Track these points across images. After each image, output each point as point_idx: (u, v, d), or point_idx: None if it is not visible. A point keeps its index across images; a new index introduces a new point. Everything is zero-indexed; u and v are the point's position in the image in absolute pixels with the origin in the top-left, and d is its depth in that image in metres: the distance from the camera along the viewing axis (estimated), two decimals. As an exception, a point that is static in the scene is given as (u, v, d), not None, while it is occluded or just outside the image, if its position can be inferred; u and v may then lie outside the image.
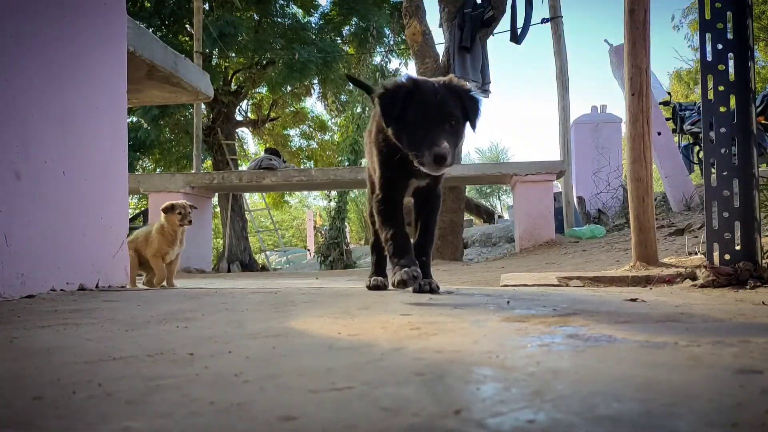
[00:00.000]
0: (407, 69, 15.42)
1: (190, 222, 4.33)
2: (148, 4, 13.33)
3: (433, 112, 1.97)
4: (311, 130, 18.67)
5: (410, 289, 2.22)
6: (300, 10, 15.24)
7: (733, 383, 0.81)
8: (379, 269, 2.75)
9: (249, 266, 12.82)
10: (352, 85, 14.33)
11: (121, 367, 1.00)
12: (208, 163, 15.21)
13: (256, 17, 14.57)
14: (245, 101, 16.73)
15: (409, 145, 1.99)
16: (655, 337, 1.17)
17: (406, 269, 2.02)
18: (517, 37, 9.08)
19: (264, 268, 14.18)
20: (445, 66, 9.26)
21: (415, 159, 1.97)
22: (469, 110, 2.09)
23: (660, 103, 9.89)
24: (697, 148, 10.35)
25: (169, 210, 4.33)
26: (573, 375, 0.88)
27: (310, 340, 1.25)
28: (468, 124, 2.13)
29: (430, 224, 2.46)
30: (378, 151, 2.25)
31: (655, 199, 8.49)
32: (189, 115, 13.88)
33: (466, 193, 11.81)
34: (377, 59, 14.83)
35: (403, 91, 2.03)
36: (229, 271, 11.62)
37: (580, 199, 11.25)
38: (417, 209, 2.46)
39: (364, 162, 14.05)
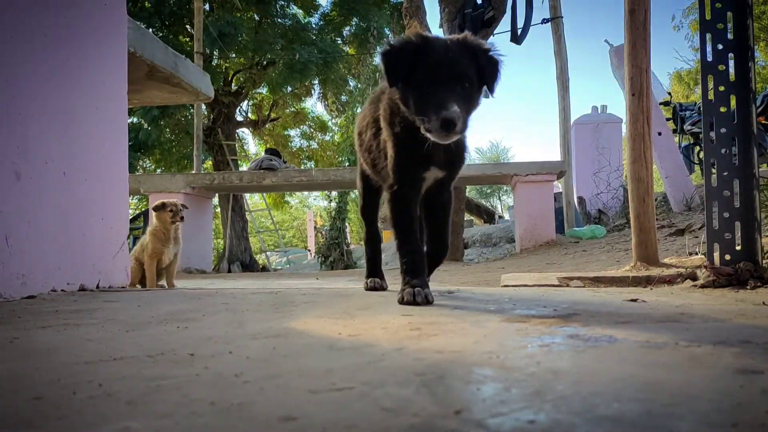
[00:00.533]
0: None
1: (181, 219, 4.39)
2: (148, 5, 13.33)
3: (444, 72, 1.77)
4: (311, 130, 18.68)
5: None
6: (300, 11, 15.25)
7: (734, 383, 0.81)
8: (374, 269, 2.65)
9: (249, 266, 12.82)
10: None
11: (121, 368, 1.00)
12: (209, 163, 15.22)
13: (256, 17, 14.58)
14: (245, 102, 16.74)
15: (416, 109, 1.80)
16: (656, 337, 1.17)
17: (418, 289, 1.90)
18: (517, 38, 9.07)
19: (264, 269, 14.18)
20: (445, 66, 9.25)
21: (422, 125, 1.78)
22: (485, 72, 1.87)
23: (660, 104, 9.89)
24: (697, 148, 10.35)
25: (160, 208, 4.40)
26: (573, 375, 0.88)
27: (310, 341, 1.25)
28: (485, 88, 1.92)
29: (446, 229, 2.28)
30: (392, 132, 2.03)
31: (656, 200, 8.48)
32: (189, 116, 13.89)
33: (467, 194, 11.82)
34: (377, 59, 14.82)
35: (411, 49, 1.83)
36: (229, 271, 11.62)
37: (581, 200, 11.25)
38: (426, 209, 2.27)
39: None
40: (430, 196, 2.22)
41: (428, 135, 1.78)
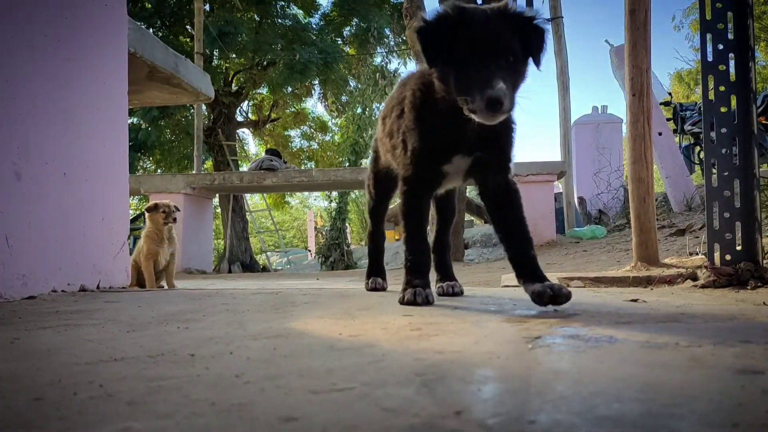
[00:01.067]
0: (407, 70, 15.43)
1: (174, 220, 4.46)
2: (149, 5, 13.35)
3: (486, 46, 1.61)
4: (312, 130, 18.69)
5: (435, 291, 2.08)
6: (300, 11, 15.26)
7: (734, 384, 0.81)
8: (376, 267, 2.58)
9: (250, 267, 12.82)
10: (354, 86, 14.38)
11: (122, 368, 1.00)
12: (209, 163, 15.22)
13: (256, 18, 14.59)
14: (246, 102, 16.75)
15: (457, 89, 1.65)
16: (656, 337, 1.17)
17: (419, 289, 1.87)
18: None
19: (265, 269, 14.18)
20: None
21: (465, 105, 1.63)
22: (531, 43, 1.71)
23: (661, 104, 9.90)
24: (698, 148, 10.36)
25: (152, 209, 4.44)
26: (574, 375, 0.88)
27: (311, 341, 1.25)
28: (531, 60, 1.75)
29: (525, 223, 1.92)
30: (415, 117, 1.88)
31: (656, 200, 8.48)
32: (190, 116, 13.90)
33: (467, 194, 11.82)
34: (378, 60, 14.84)
35: (448, 23, 1.68)
36: (230, 271, 11.62)
37: (581, 200, 11.25)
38: (492, 202, 1.95)
39: (364, 163, 14.07)
40: (490, 186, 1.95)
41: (473, 116, 1.63)
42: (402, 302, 1.88)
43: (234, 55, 14.16)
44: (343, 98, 15.96)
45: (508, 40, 1.65)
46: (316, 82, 15.49)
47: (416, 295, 1.86)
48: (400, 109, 2.02)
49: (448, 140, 1.84)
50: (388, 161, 2.25)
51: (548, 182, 8.22)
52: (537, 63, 1.75)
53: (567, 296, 1.66)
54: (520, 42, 1.69)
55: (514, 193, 1.94)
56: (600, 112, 12.68)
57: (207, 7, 13.52)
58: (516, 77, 1.68)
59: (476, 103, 1.57)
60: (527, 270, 1.80)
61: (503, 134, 1.89)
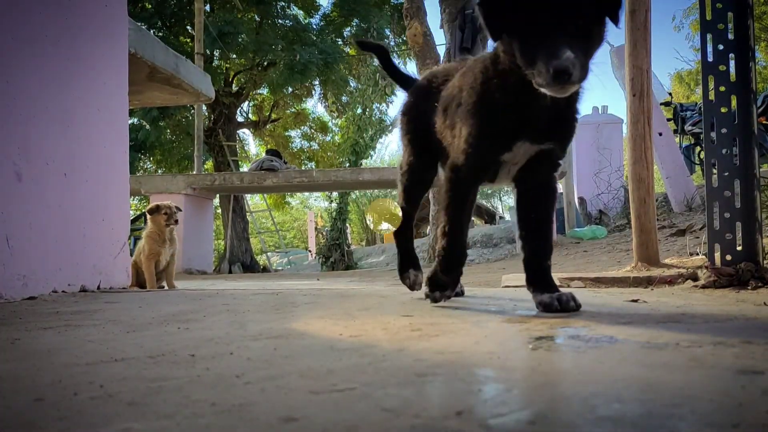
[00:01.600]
0: (406, 69, 15.43)
1: (176, 222, 4.45)
2: (149, 5, 13.36)
3: (550, 11, 1.48)
4: (312, 131, 18.69)
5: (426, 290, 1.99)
6: (301, 12, 15.27)
7: (735, 384, 0.81)
8: (407, 256, 2.28)
9: (250, 267, 12.82)
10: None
11: (122, 369, 1.00)
12: (210, 164, 15.22)
13: (257, 18, 14.60)
14: (246, 102, 16.75)
15: (523, 61, 1.53)
16: (657, 337, 1.17)
17: (437, 293, 1.86)
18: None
19: (265, 269, 14.17)
20: (445, 67, 9.25)
21: (533, 79, 1.51)
22: (604, 1, 1.55)
23: (661, 104, 9.89)
24: (698, 148, 10.35)
25: (154, 211, 4.45)
26: (574, 376, 0.88)
27: (311, 342, 1.25)
28: (607, 19, 1.59)
29: (550, 227, 1.90)
30: (475, 99, 1.74)
31: (657, 200, 8.48)
32: (190, 116, 13.90)
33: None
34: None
35: None
36: (230, 272, 11.62)
37: (581, 200, 11.25)
38: (524, 196, 1.90)
39: (365, 163, 14.06)
40: (534, 183, 1.88)
41: (542, 90, 1.52)
42: (424, 285, 1.92)
43: (234, 56, 14.17)
44: (344, 98, 15.96)
45: (576, 2, 1.51)
46: (317, 82, 15.49)
47: (428, 296, 1.89)
48: (461, 97, 1.88)
49: (510, 123, 1.70)
50: (443, 149, 2.06)
51: (548, 182, 8.21)
52: (615, 21, 1.59)
53: (574, 310, 1.65)
54: (592, 2, 1.53)
55: (552, 193, 1.88)
56: (600, 112, 12.67)
57: (207, 7, 13.53)
58: (588, 42, 1.53)
59: (543, 76, 1.46)
60: (538, 278, 1.79)
61: (571, 123, 1.77)
